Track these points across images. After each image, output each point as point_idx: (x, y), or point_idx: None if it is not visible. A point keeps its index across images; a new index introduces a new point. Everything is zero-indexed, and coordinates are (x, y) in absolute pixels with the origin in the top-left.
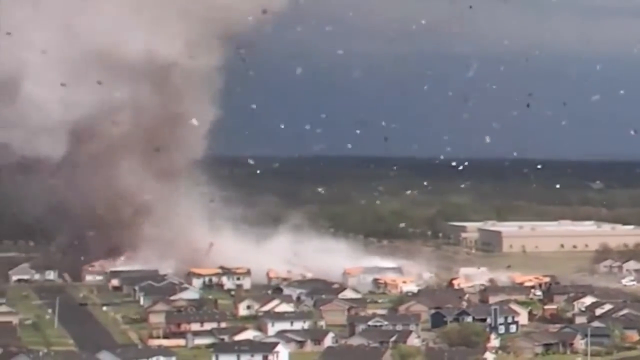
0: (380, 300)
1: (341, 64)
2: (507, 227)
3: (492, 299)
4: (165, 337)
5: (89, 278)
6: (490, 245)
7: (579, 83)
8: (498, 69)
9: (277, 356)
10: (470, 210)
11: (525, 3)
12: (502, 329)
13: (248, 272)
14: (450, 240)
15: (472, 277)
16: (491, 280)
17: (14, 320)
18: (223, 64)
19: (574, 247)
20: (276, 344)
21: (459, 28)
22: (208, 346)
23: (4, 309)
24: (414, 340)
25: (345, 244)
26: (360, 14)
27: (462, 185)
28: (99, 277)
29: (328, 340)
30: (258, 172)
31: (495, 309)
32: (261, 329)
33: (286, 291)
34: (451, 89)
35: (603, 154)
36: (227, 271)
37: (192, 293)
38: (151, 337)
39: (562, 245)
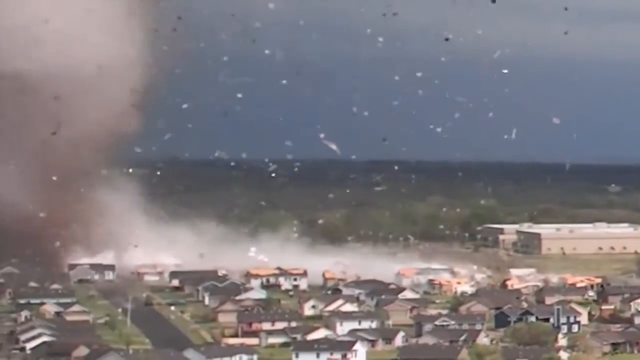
0: (437, 301)
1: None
2: (545, 230)
3: (549, 300)
4: (237, 336)
5: (147, 278)
6: (528, 247)
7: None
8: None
9: (356, 354)
10: (504, 213)
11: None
12: (564, 329)
13: (305, 273)
14: (487, 242)
15: (524, 278)
16: (544, 281)
17: (89, 319)
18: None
19: (612, 249)
20: (354, 342)
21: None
22: (282, 345)
23: (77, 308)
24: (482, 340)
25: (385, 247)
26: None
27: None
28: (155, 278)
29: (398, 340)
30: (273, 175)
31: (558, 309)
32: (329, 328)
33: (345, 291)
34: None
35: (607, 158)
36: (284, 272)
37: (257, 293)
38: (223, 336)
39: (600, 248)
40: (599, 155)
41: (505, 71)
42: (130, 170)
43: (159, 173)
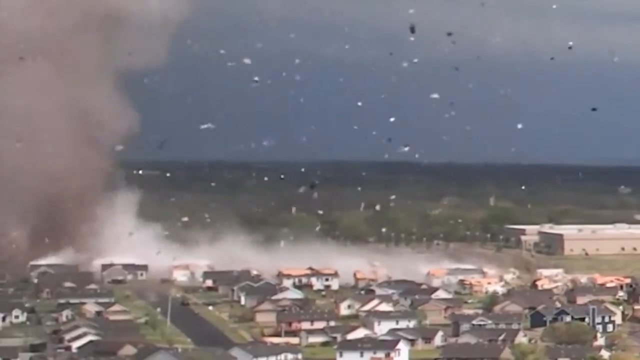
0: (469, 301)
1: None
2: (567, 230)
3: (580, 300)
4: (276, 335)
5: (180, 279)
6: (551, 248)
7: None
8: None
9: (399, 354)
10: (522, 214)
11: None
12: (599, 328)
13: (336, 274)
14: (508, 243)
15: (552, 278)
16: (574, 282)
17: (130, 318)
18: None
19: (634, 249)
20: (397, 341)
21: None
22: (322, 344)
23: (117, 307)
24: (521, 339)
25: (407, 247)
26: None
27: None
28: (185, 278)
29: (437, 339)
30: (282, 177)
31: (593, 309)
32: (366, 327)
33: (378, 291)
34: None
35: (612, 160)
36: (315, 272)
37: (293, 293)
38: (263, 335)
39: (622, 248)
40: (604, 156)
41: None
42: (141, 171)
43: (168, 175)
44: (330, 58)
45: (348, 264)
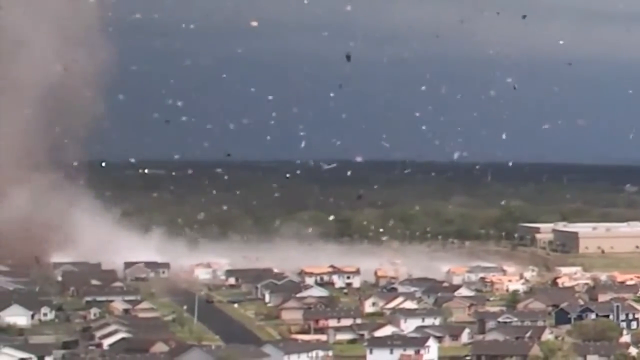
0: (491, 298)
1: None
2: (581, 228)
3: (602, 297)
4: (303, 332)
5: (202, 277)
6: (565, 246)
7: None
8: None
9: (428, 351)
10: (534, 213)
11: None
12: (622, 325)
13: (357, 271)
14: (522, 241)
15: (571, 276)
16: (594, 279)
17: (158, 316)
18: None
19: None
20: (427, 338)
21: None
22: (349, 341)
23: (144, 305)
24: (547, 336)
25: (422, 245)
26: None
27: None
28: (208, 276)
29: (464, 336)
30: (287, 176)
31: (617, 306)
32: (392, 324)
33: (401, 289)
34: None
35: (614, 159)
36: (337, 270)
37: (318, 291)
38: (290, 332)
39: (637, 246)
40: (608, 155)
41: (509, 80)
42: (146, 170)
43: (174, 174)
44: (331, 58)
45: (367, 262)
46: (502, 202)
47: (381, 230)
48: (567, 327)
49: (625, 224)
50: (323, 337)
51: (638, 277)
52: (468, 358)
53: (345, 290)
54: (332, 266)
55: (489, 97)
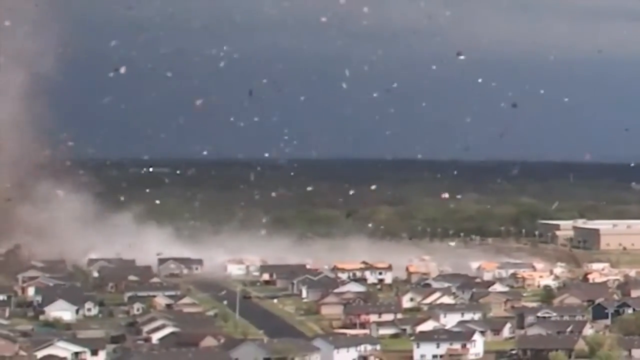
0: (525, 294)
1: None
2: (602, 225)
3: (634, 293)
4: (344, 327)
5: (235, 273)
6: (587, 242)
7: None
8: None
9: (474, 345)
10: (552, 210)
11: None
12: None
13: (390, 267)
14: (542, 238)
15: (600, 272)
16: (625, 275)
17: (201, 311)
18: None
19: None
20: (473, 332)
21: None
22: (391, 336)
23: (186, 300)
24: (588, 331)
25: (443, 242)
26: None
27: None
28: (240, 272)
29: (506, 331)
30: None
31: None
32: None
33: (434, 285)
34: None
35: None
36: (369, 266)
37: (356, 286)
38: (332, 327)
39: None
40: (609, 154)
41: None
42: (151, 169)
43: (178, 172)
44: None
45: (392, 259)
46: (520, 199)
47: (400, 227)
48: (606, 322)
49: None
50: (365, 332)
51: None
52: (514, 352)
53: (378, 287)
54: (364, 262)
55: (485, 97)
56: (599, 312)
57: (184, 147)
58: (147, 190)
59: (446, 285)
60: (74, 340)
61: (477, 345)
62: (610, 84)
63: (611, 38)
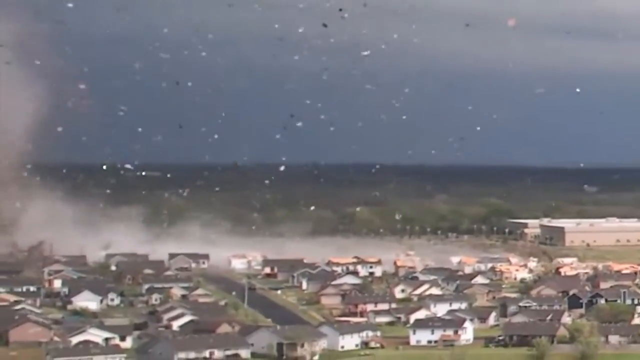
0: (503, 286)
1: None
2: (566, 224)
3: (603, 285)
4: (344, 316)
5: (239, 267)
6: (553, 239)
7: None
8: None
9: (465, 331)
10: (519, 210)
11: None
12: None
13: (379, 262)
14: (511, 235)
15: (570, 266)
16: (594, 269)
17: (215, 301)
18: None
19: (628, 241)
20: (464, 320)
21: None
22: (387, 324)
23: (200, 291)
24: (566, 318)
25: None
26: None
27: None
28: (243, 266)
29: (491, 319)
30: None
31: (624, 292)
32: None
33: (421, 277)
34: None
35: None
36: (361, 260)
37: (353, 278)
38: (332, 315)
39: (617, 240)
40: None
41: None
42: (144, 173)
43: (169, 176)
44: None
45: (378, 254)
46: (488, 200)
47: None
48: (580, 311)
49: (604, 219)
50: (365, 320)
51: (632, 267)
52: (501, 338)
53: (369, 279)
54: (356, 257)
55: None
56: (574, 302)
57: (173, 153)
58: (143, 193)
59: (432, 277)
60: (102, 327)
61: (468, 332)
62: (562, 96)
63: (559, 53)
